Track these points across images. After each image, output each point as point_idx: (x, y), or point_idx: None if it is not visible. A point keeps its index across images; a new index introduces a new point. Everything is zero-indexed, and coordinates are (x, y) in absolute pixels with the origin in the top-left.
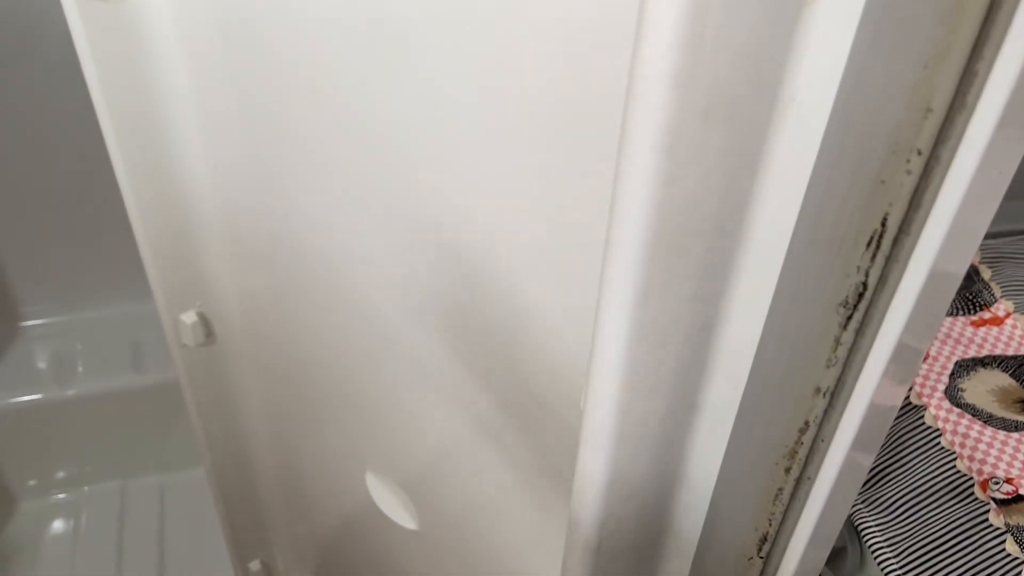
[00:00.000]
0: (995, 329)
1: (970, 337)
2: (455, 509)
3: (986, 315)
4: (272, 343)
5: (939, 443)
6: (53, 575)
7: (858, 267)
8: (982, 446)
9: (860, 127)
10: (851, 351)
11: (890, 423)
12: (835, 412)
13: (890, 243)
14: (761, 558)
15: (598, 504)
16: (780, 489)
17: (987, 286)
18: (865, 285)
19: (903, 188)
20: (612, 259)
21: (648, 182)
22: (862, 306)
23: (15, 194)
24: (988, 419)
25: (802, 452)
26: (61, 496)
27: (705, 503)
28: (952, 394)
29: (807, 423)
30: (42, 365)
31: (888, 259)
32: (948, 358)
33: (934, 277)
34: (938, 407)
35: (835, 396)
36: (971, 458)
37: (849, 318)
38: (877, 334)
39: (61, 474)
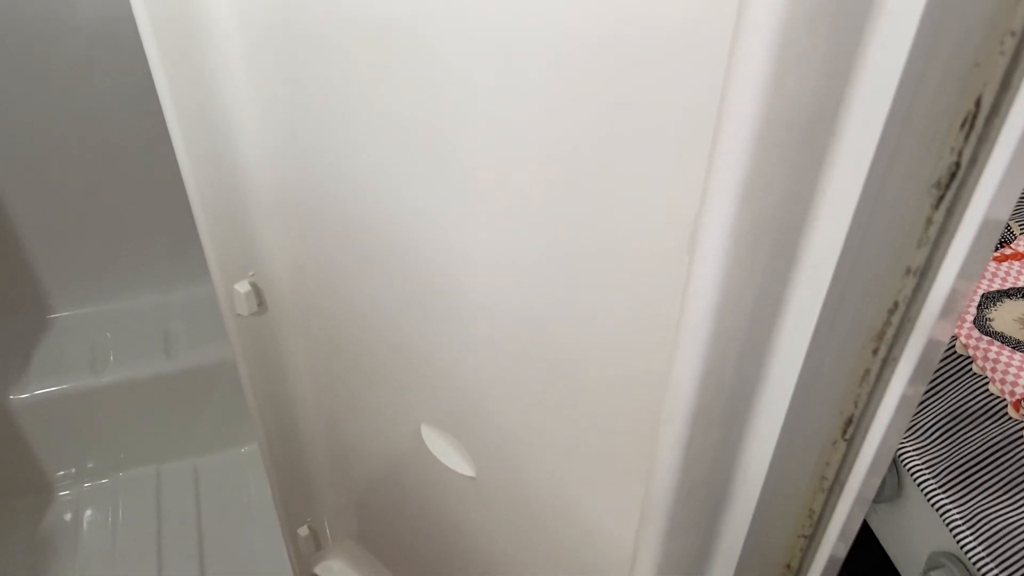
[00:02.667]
0: (1017, 264)
1: (994, 272)
2: (514, 453)
3: (1007, 251)
4: (321, 310)
5: (971, 369)
6: (95, 560)
7: (951, 148)
8: (1012, 369)
9: (958, 11)
10: (941, 230)
11: (968, 298)
12: (922, 291)
13: (983, 123)
14: (845, 440)
15: (691, 400)
16: (867, 370)
17: (1007, 226)
18: (958, 165)
19: (996, 69)
20: (718, 159)
21: (757, 84)
22: (954, 185)
23: (45, 191)
24: (1016, 345)
25: (890, 333)
26: (98, 483)
27: (789, 391)
28: (980, 324)
29: (896, 304)
30: (75, 355)
31: (980, 139)
32: (974, 291)
33: (1020, 153)
34: (968, 336)
35: (923, 275)
36: (1003, 381)
37: (941, 198)
38: (966, 211)
39: (97, 461)
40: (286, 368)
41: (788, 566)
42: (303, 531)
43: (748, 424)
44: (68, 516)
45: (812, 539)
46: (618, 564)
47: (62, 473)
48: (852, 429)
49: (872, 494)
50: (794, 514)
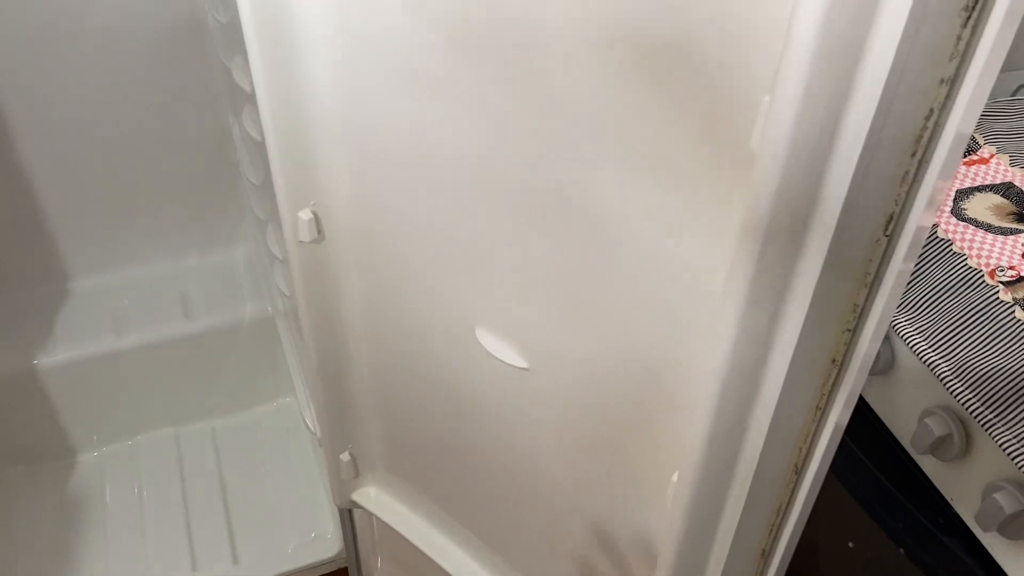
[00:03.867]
0: (983, 167)
1: (964, 173)
2: (571, 348)
3: (974, 157)
4: (376, 233)
5: (951, 250)
6: (123, 522)
7: None
8: (986, 247)
9: None
10: (967, 44)
11: (985, 101)
12: (951, 100)
13: None
14: (886, 236)
15: (777, 174)
16: (907, 172)
17: (972, 137)
18: None
19: None
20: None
21: None
22: (978, 7)
23: (64, 160)
24: (988, 228)
25: (926, 136)
26: (120, 445)
27: (847, 180)
28: (957, 213)
29: (931, 110)
30: (96, 321)
31: None
32: (949, 189)
33: None
34: (947, 223)
35: (953, 84)
36: (978, 256)
37: (968, 18)
38: (986, 26)
39: (118, 425)
40: (340, 294)
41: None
42: (345, 457)
43: (814, 211)
44: (92, 480)
45: (824, 411)
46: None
47: (84, 438)
48: (892, 225)
49: (870, 364)
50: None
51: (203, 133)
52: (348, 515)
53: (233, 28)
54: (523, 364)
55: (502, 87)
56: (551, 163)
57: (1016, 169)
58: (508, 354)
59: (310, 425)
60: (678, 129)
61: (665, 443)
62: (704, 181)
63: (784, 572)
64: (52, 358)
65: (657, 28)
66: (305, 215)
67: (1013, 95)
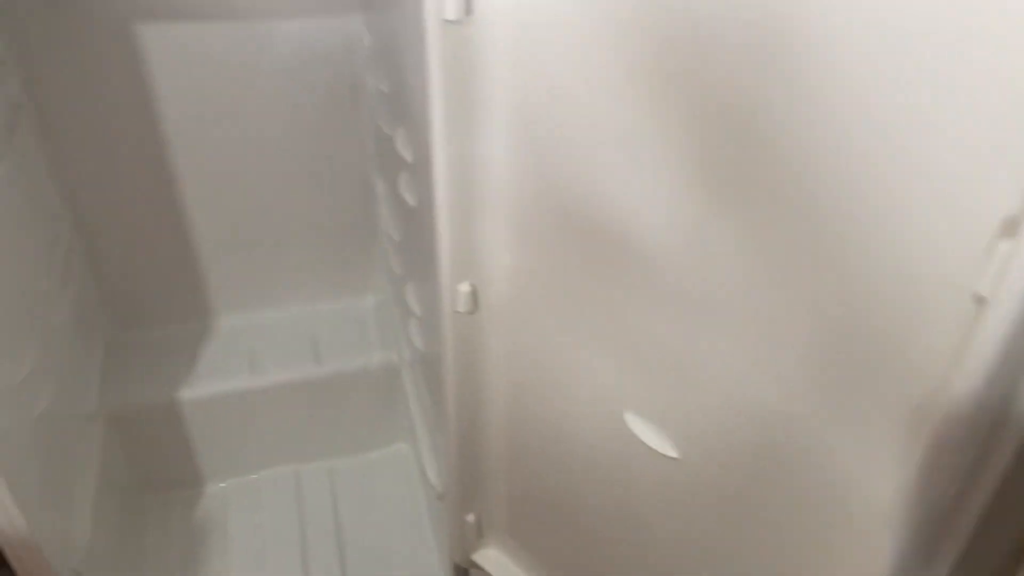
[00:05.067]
0: None
1: None
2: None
3: None
4: (532, 309)
5: None
6: (243, 552)
7: None
8: None
9: None
10: None
11: None
12: None
13: None
14: None
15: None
16: None
17: None
18: None
19: None
20: None
21: None
22: None
23: (217, 203)
24: None
25: None
26: (243, 479)
27: None
28: None
29: None
30: (235, 359)
31: None
32: None
33: None
34: None
35: None
36: None
37: None
38: None
39: (244, 459)
40: (486, 363)
41: None
42: (470, 518)
43: None
44: (217, 510)
45: None
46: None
47: (213, 470)
48: None
49: None
50: None
51: (348, 187)
52: (464, 572)
53: (396, 98)
54: (673, 454)
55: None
56: (741, 269)
57: None
58: (658, 442)
59: (432, 479)
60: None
61: (838, 557)
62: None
63: None
64: (193, 391)
65: None
66: (464, 288)
67: None
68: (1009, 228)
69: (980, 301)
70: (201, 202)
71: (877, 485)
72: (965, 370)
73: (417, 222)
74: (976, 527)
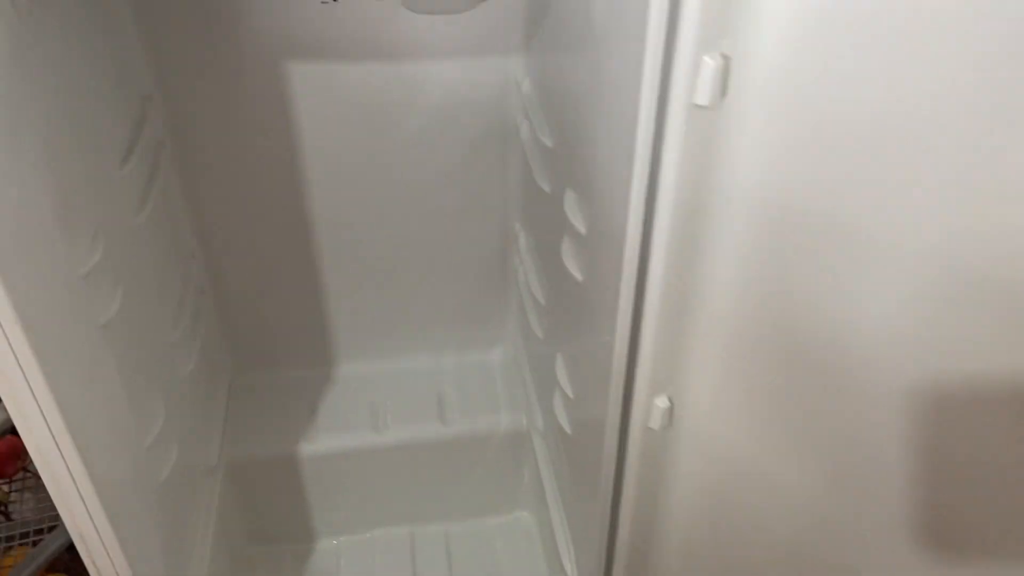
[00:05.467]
0: None
1: None
2: None
3: None
4: (734, 421)
5: None
6: None
7: None
8: None
9: None
10: None
11: None
12: None
13: None
14: None
15: None
16: None
17: None
18: None
19: None
20: None
21: None
22: None
23: (349, 246)
24: None
25: None
26: (357, 537)
27: None
28: None
29: None
30: (357, 412)
31: None
32: None
33: None
34: None
35: None
36: None
37: None
38: None
39: (359, 517)
40: (673, 478)
41: None
42: None
43: None
44: (328, 567)
45: None
46: None
47: (326, 525)
48: None
49: None
50: None
51: (487, 236)
52: None
53: (565, 156)
54: None
55: None
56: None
57: None
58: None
59: (566, 564)
60: None
61: None
62: None
63: None
64: (313, 446)
65: None
66: (661, 403)
67: None
68: None
69: None
70: (333, 244)
71: None
72: None
73: (582, 299)
74: None
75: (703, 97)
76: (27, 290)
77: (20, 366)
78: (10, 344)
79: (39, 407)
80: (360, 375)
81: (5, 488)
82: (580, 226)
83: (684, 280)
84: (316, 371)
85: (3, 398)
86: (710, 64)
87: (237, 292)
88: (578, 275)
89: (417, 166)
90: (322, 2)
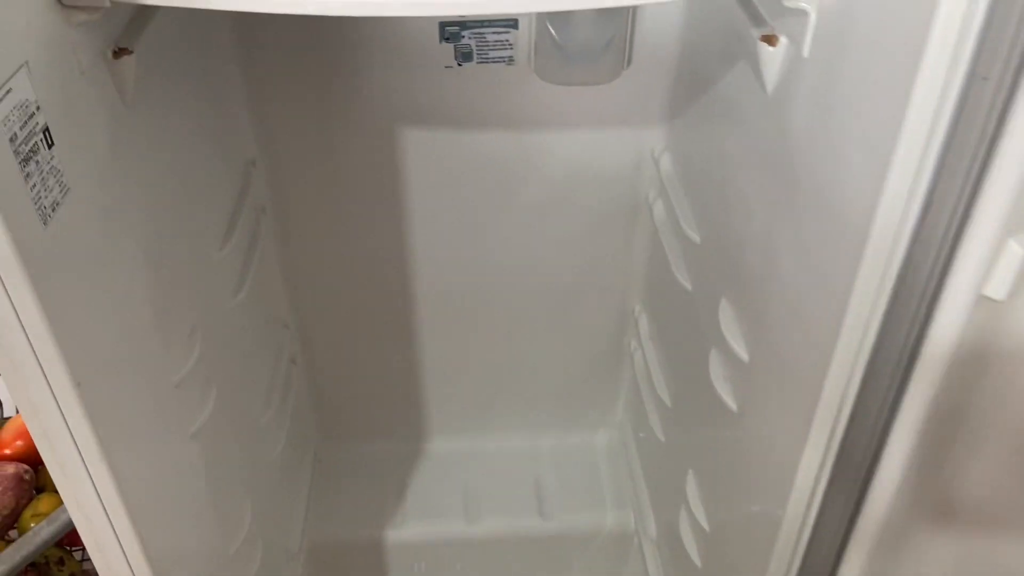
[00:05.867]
0: None
1: None
2: None
3: None
4: None
5: None
6: None
7: None
8: None
9: None
10: None
11: None
12: None
13: None
14: None
15: None
16: None
17: None
18: None
19: None
20: None
21: None
22: None
23: (449, 321)
24: None
25: None
26: None
27: None
28: None
29: None
30: (447, 495)
31: None
32: None
33: None
34: None
35: None
36: None
37: None
38: None
39: None
40: None
41: None
42: None
43: None
44: None
45: None
46: None
47: None
48: None
49: None
50: None
51: (602, 314)
52: None
53: (713, 255)
54: None
55: None
56: None
57: None
58: None
59: None
60: None
61: None
62: None
63: None
64: (400, 533)
65: None
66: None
67: None
68: None
69: None
70: (432, 313)
71: None
72: None
73: (735, 433)
74: None
75: (999, 290)
76: (112, 409)
77: (97, 492)
78: (89, 473)
79: (116, 536)
80: (452, 452)
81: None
82: (740, 349)
83: (921, 488)
84: (406, 445)
85: (76, 524)
86: (1019, 253)
87: (328, 360)
88: (731, 403)
89: (533, 238)
90: (446, 67)
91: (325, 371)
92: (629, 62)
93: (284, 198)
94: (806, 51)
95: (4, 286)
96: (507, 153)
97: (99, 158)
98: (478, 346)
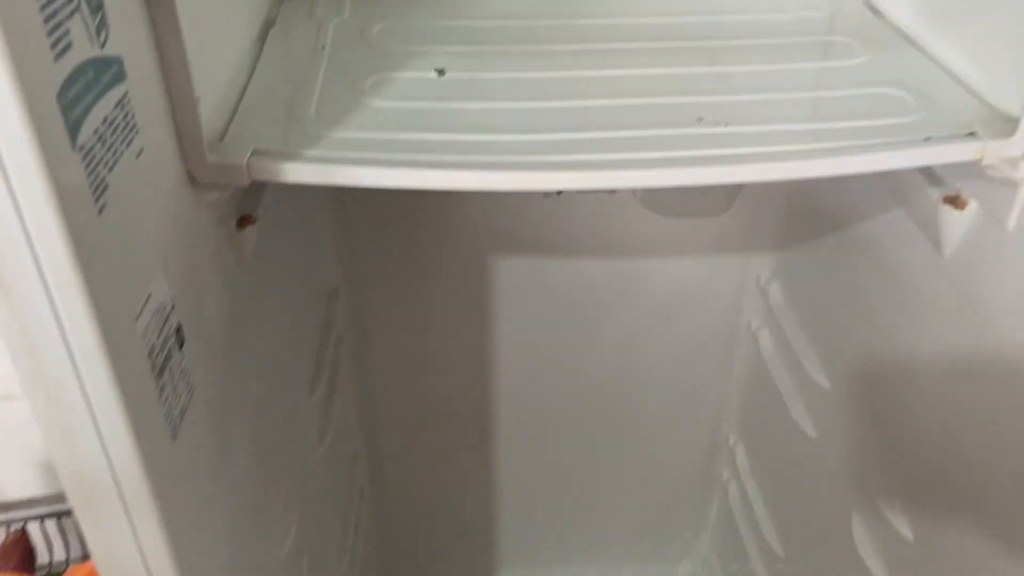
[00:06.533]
0: None
1: None
2: None
3: None
4: None
5: None
6: None
7: None
8: None
9: None
10: None
11: None
12: None
13: None
14: None
15: None
16: None
17: None
18: None
19: None
20: None
21: None
22: None
23: (522, 450)
24: None
25: None
26: None
27: None
28: None
29: None
30: None
31: None
32: None
33: None
34: None
35: None
36: None
37: None
38: None
39: None
40: None
41: None
42: None
43: None
44: None
45: None
46: None
47: None
48: None
49: None
50: None
51: (691, 443)
52: None
53: (859, 406)
54: None
55: None
56: None
57: None
58: None
59: None
60: None
61: None
62: None
63: None
64: None
65: None
66: None
67: None
68: None
69: None
70: (509, 441)
71: None
72: None
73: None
74: None
75: None
76: None
77: None
78: None
79: None
80: None
81: None
82: (900, 524)
83: None
84: None
85: None
86: None
87: (395, 491)
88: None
89: (621, 367)
90: (545, 196)
91: (393, 502)
92: (739, 190)
93: (363, 325)
94: (1011, 224)
95: (134, 528)
96: (603, 283)
97: (218, 341)
98: (556, 474)
